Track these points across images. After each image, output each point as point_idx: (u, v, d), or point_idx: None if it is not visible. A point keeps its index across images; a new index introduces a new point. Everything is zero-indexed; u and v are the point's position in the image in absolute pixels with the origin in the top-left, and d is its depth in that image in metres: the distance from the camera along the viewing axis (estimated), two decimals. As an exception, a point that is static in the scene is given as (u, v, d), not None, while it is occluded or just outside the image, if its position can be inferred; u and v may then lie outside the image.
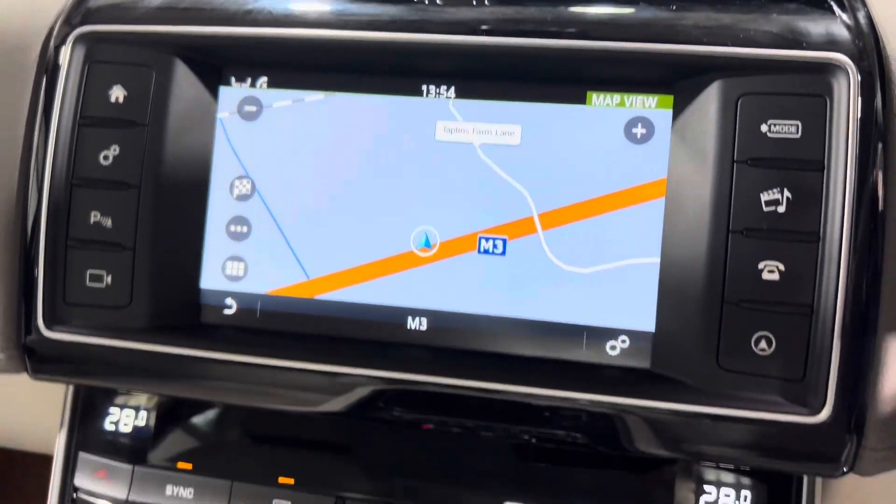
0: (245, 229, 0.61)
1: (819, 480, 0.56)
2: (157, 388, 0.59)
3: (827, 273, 0.49)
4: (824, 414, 0.49)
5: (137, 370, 0.58)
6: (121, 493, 0.61)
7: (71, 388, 0.65)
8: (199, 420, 0.63)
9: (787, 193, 0.50)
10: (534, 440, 0.55)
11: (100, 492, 0.62)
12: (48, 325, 0.59)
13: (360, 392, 0.55)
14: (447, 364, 0.55)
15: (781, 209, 0.50)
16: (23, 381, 0.61)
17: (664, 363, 0.53)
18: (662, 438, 0.52)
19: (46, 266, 0.59)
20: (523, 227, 0.58)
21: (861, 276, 0.49)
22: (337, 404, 0.56)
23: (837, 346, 0.49)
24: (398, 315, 0.58)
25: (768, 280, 0.50)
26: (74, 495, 0.63)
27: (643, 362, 0.55)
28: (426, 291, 0.58)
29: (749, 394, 0.50)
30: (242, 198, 0.61)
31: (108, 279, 0.59)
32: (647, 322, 0.55)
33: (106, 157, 0.59)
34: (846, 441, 0.50)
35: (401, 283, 0.59)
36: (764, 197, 0.51)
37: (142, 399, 0.64)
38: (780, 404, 0.50)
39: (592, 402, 0.53)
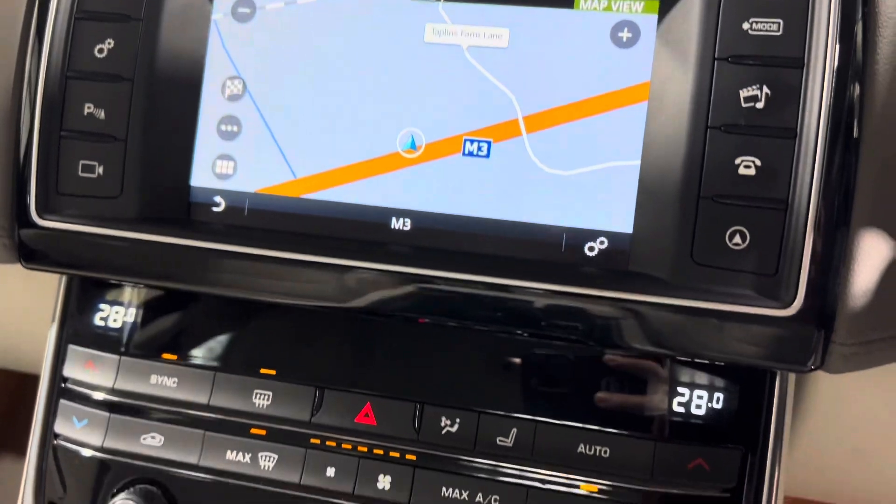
0: (235, 129, 0.62)
1: (791, 383, 0.57)
2: (146, 278, 0.60)
3: (802, 169, 0.50)
4: (795, 307, 0.50)
5: (127, 259, 0.60)
6: (107, 382, 0.63)
7: (63, 285, 0.67)
8: (183, 315, 0.64)
9: (766, 90, 0.51)
10: (513, 333, 0.56)
11: (87, 381, 0.64)
12: (41, 215, 0.60)
13: (343, 283, 0.56)
14: (430, 257, 0.56)
15: (760, 105, 0.51)
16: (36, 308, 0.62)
17: (641, 262, 0.54)
18: (637, 332, 0.53)
19: (40, 157, 0.60)
20: (508, 129, 0.58)
21: (836, 172, 0.50)
22: (319, 296, 0.57)
23: (810, 240, 0.50)
24: (382, 215, 0.59)
25: (744, 175, 0.51)
26: (63, 385, 0.65)
27: (621, 263, 0.55)
28: (410, 192, 0.59)
29: (722, 288, 0.51)
30: (234, 98, 0.62)
31: (100, 170, 0.60)
32: (625, 224, 0.56)
33: (101, 51, 0.60)
34: (815, 335, 0.50)
35: (386, 184, 0.60)
36: (743, 93, 0.51)
37: (129, 295, 0.65)
38: (752, 298, 0.51)
39: (569, 294, 0.53)
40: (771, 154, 0.51)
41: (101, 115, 0.60)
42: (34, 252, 0.61)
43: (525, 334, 0.57)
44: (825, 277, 0.50)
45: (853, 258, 0.50)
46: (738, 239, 0.51)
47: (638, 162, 0.55)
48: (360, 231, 0.59)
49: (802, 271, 0.50)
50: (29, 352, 0.78)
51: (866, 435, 0.69)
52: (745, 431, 0.56)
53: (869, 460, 0.71)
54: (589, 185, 0.56)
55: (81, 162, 0.60)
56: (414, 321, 0.59)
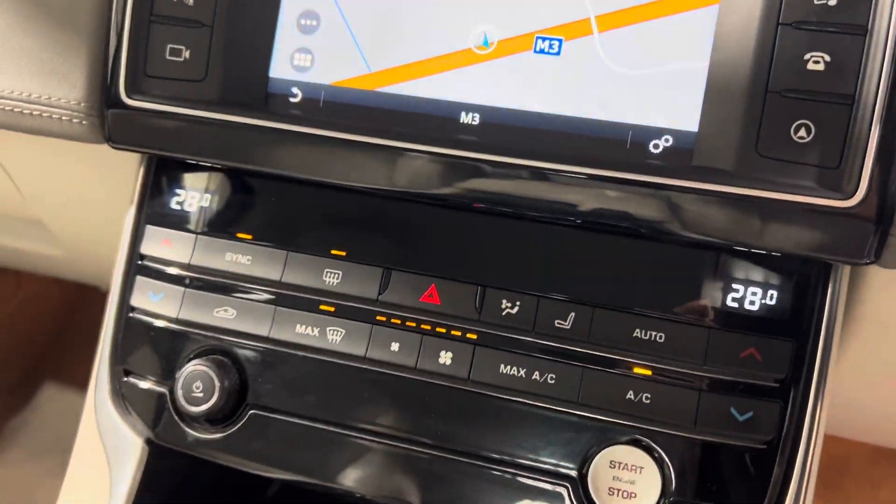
0: (314, 23, 0.64)
1: (844, 285, 0.59)
2: (224, 159, 0.64)
3: (871, 65, 0.51)
4: (855, 199, 0.52)
5: (207, 140, 0.63)
6: (184, 258, 0.66)
7: (142, 170, 0.70)
8: (258, 197, 0.67)
9: (839, -12, 0.52)
10: (576, 223, 0.59)
11: (164, 257, 0.67)
12: (129, 95, 0.64)
13: (411, 168, 0.59)
14: (497, 146, 0.58)
15: (832, 2, 0.52)
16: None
17: (705, 159, 0.56)
18: (699, 221, 0.55)
19: (131, 40, 0.63)
20: (580, 28, 0.60)
21: None
22: (388, 181, 0.60)
23: (875, 135, 0.51)
24: (452, 109, 0.62)
25: (813, 70, 0.53)
26: (140, 262, 0.68)
27: (685, 160, 0.57)
28: (480, 88, 0.61)
29: (785, 179, 0.53)
30: (314, -8, 0.64)
31: (187, 54, 0.63)
32: (691, 122, 0.57)
33: (191, -59, 0.63)
34: (873, 227, 0.52)
35: (457, 79, 0.62)
36: (816, -8, 0.53)
37: (205, 180, 0.68)
38: (814, 189, 0.53)
39: (633, 182, 0.56)
40: (840, 50, 0.52)
41: (190, 1, 0.63)
42: (121, 131, 0.65)
43: (586, 223, 0.59)
44: (887, 171, 0.52)
45: (918, 150, 0.52)
46: (802, 132, 0.53)
47: (707, 62, 0.57)
48: (430, 123, 0.61)
49: (865, 165, 0.52)
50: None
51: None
52: (797, 326, 0.58)
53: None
54: (657, 84, 0.58)
55: (169, 46, 0.63)
56: (479, 210, 0.62)
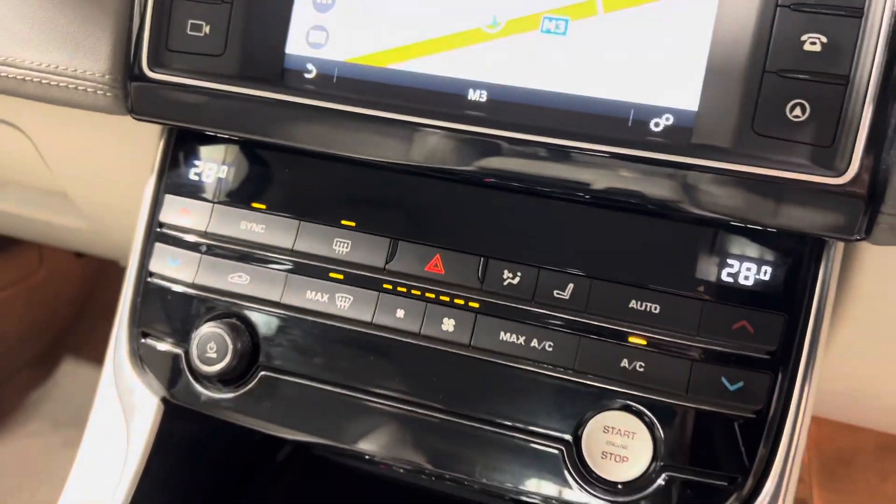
0: (329, 1, 0.66)
1: (837, 263, 0.61)
2: (241, 131, 0.66)
3: (866, 47, 0.53)
4: (847, 176, 0.53)
5: (225, 112, 0.66)
6: (201, 226, 0.69)
7: (162, 142, 0.73)
8: (272, 169, 0.70)
9: (836, -29, 0.54)
10: (576, 197, 0.61)
11: (182, 225, 0.70)
12: (151, 68, 0.66)
13: (419, 141, 0.61)
14: (503, 122, 0.61)
15: (830, -15, 0.54)
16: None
17: (703, 136, 0.58)
18: (695, 197, 0.57)
19: (154, 15, 0.66)
20: (586, 9, 0.62)
21: None
22: (397, 154, 0.62)
23: (868, 115, 0.53)
24: (461, 86, 0.64)
25: (809, 51, 0.54)
26: (159, 229, 0.71)
27: (684, 138, 0.59)
28: (488, 66, 0.63)
29: (780, 157, 0.55)
30: (330, -29, 0.67)
31: (207, 29, 0.66)
32: (691, 101, 0.59)
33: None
34: (864, 204, 0.54)
35: (465, 57, 0.64)
36: (814, -26, 0.54)
37: (223, 152, 0.71)
38: (807, 167, 0.54)
39: (633, 157, 0.58)
40: (836, 32, 0.54)
41: None
42: (143, 103, 0.68)
43: (587, 197, 0.61)
44: (878, 150, 0.53)
45: (909, 131, 0.53)
46: (798, 111, 0.55)
47: (708, 43, 0.58)
48: (439, 99, 0.64)
49: (857, 143, 0.53)
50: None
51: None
52: (789, 301, 0.60)
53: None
54: (659, 64, 0.60)
55: (190, 21, 0.66)
56: (483, 184, 0.64)
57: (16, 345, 1.89)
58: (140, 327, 0.71)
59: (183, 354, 0.68)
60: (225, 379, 0.66)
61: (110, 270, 1.68)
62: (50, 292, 1.95)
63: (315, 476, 0.86)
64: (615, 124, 0.60)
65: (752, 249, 0.61)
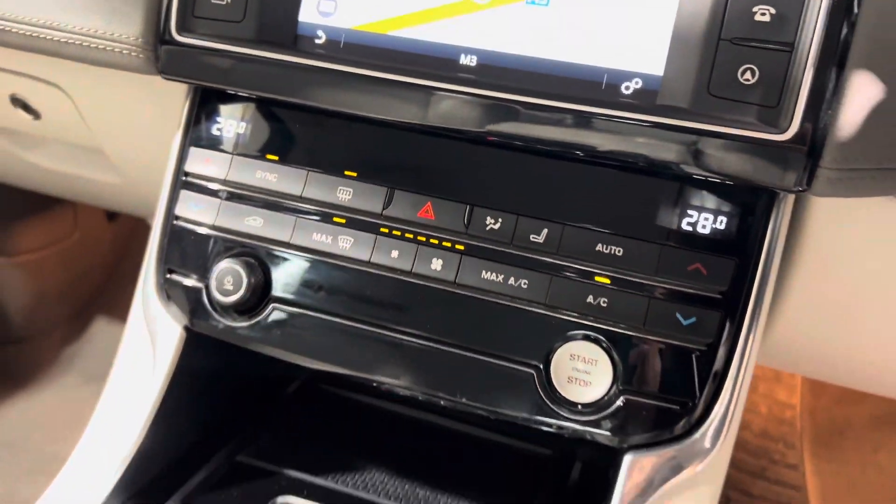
0: None
1: (787, 215, 0.67)
2: (258, 90, 0.74)
3: (809, 17, 0.59)
4: (789, 133, 0.60)
5: (245, 73, 0.73)
6: (221, 175, 0.78)
7: (188, 100, 0.81)
8: (285, 125, 0.77)
9: (780, -52, 0.60)
10: (553, 153, 0.68)
11: (205, 174, 0.78)
12: (179, 32, 0.74)
13: (415, 100, 0.69)
14: (490, 83, 0.67)
15: (778, -40, 0.60)
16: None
17: (668, 97, 0.64)
18: (660, 151, 0.63)
19: None
20: (566, -18, 0.69)
21: (837, 20, 0.59)
22: (396, 112, 0.70)
23: (808, 78, 0.59)
24: (453, 51, 0.71)
25: (759, 21, 0.60)
26: (185, 178, 0.80)
27: (651, 100, 0.66)
28: (478, 33, 0.70)
29: (732, 116, 0.61)
30: (338, -55, 0.74)
31: None
32: (657, 67, 0.66)
33: None
34: (805, 158, 0.60)
35: (458, 26, 0.71)
36: (761, -50, 0.60)
37: (242, 109, 0.79)
38: (755, 125, 0.61)
39: (605, 116, 0.64)
40: (784, 4, 0.60)
41: None
42: (171, 65, 0.76)
43: (564, 152, 0.68)
44: (817, 110, 0.59)
45: (844, 96, 0.59)
46: (748, 75, 0.61)
47: (674, 14, 0.65)
48: (434, 63, 0.71)
49: (799, 104, 0.59)
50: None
51: (855, 297, 0.78)
52: (741, 247, 0.66)
53: (853, 324, 0.80)
54: (630, 32, 0.66)
55: None
56: (469, 140, 0.71)
57: (54, 301, 2.01)
58: (166, 265, 0.79)
59: (203, 288, 0.77)
60: (240, 309, 0.75)
61: (138, 237, 1.78)
62: (83, 254, 2.06)
63: (320, 407, 0.95)
64: (590, 87, 0.67)
65: (709, 201, 0.67)
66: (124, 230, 2.14)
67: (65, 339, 2.04)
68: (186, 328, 0.78)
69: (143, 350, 0.80)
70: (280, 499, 0.77)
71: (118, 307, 2.08)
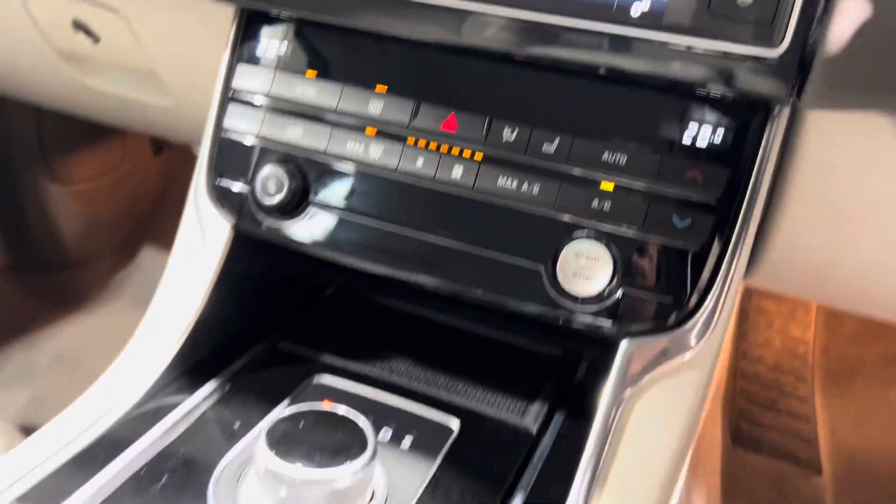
0: None
1: (780, 130, 0.73)
2: (299, 8, 0.81)
3: (802, -60, 0.64)
4: (781, 48, 0.65)
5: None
6: (264, 89, 0.85)
7: (235, 23, 0.89)
8: (323, 45, 0.84)
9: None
10: (567, 69, 0.74)
11: (250, 88, 0.86)
12: (227, -43, 0.82)
13: (444, 21, 0.75)
14: (517, 4, 0.72)
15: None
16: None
17: (673, 17, 0.69)
18: (665, 66, 0.69)
19: None
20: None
21: None
22: (424, 31, 0.76)
23: (800, -1, 0.65)
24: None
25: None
26: (232, 93, 0.88)
27: (658, 21, 0.71)
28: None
29: (730, 33, 0.67)
30: None
31: None
32: (665, -10, 0.71)
33: None
34: (795, 72, 0.66)
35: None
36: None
37: (284, 30, 0.86)
38: (751, 41, 0.66)
39: (618, 35, 0.70)
40: None
41: None
42: None
43: (578, 68, 0.74)
44: (808, 28, 0.65)
45: (833, 16, 0.64)
46: None
47: None
48: None
49: (790, 22, 0.65)
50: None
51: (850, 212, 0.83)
52: (736, 159, 0.73)
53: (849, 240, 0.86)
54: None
55: None
56: (489, 58, 0.78)
57: (105, 229, 2.13)
58: (216, 171, 0.88)
59: (249, 191, 0.85)
60: (282, 210, 0.83)
61: (182, 172, 1.89)
62: (131, 186, 2.17)
63: (353, 310, 1.04)
64: (603, 9, 0.73)
65: (708, 117, 0.73)
66: (169, 164, 2.24)
67: (115, 265, 2.17)
68: (234, 228, 0.87)
69: (195, 247, 0.89)
70: (316, 378, 0.87)
71: (164, 237, 2.19)
